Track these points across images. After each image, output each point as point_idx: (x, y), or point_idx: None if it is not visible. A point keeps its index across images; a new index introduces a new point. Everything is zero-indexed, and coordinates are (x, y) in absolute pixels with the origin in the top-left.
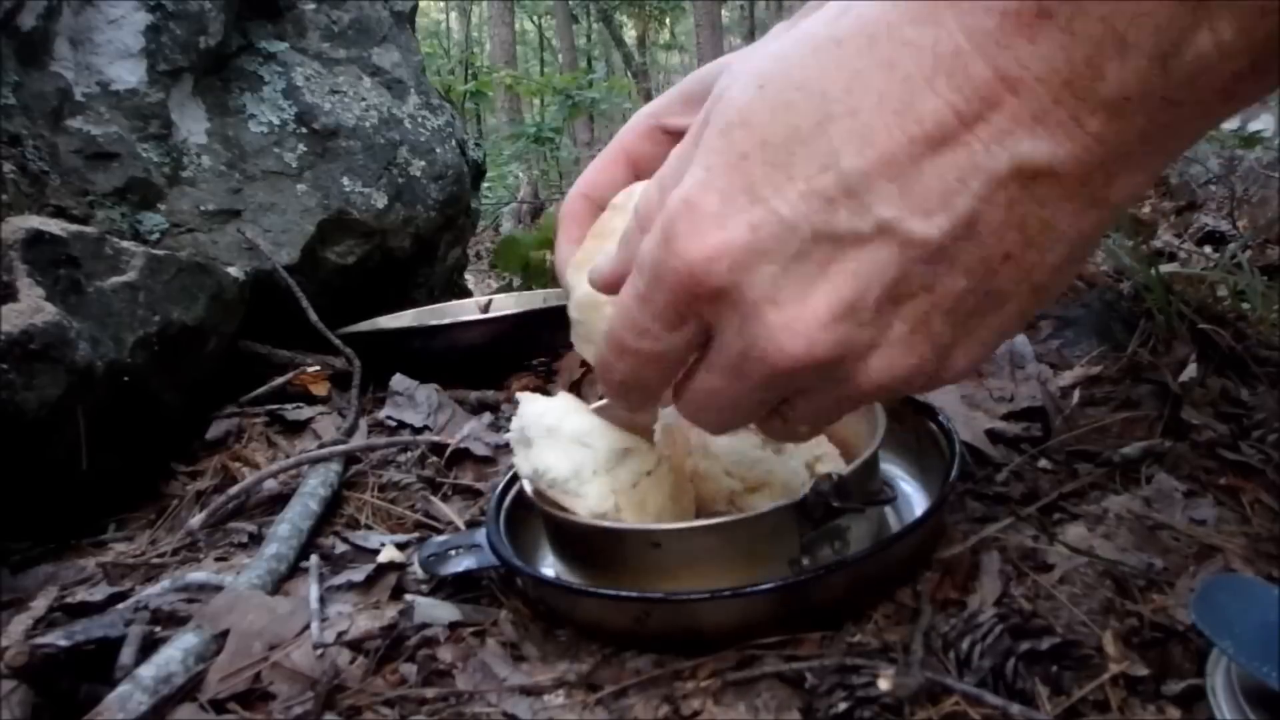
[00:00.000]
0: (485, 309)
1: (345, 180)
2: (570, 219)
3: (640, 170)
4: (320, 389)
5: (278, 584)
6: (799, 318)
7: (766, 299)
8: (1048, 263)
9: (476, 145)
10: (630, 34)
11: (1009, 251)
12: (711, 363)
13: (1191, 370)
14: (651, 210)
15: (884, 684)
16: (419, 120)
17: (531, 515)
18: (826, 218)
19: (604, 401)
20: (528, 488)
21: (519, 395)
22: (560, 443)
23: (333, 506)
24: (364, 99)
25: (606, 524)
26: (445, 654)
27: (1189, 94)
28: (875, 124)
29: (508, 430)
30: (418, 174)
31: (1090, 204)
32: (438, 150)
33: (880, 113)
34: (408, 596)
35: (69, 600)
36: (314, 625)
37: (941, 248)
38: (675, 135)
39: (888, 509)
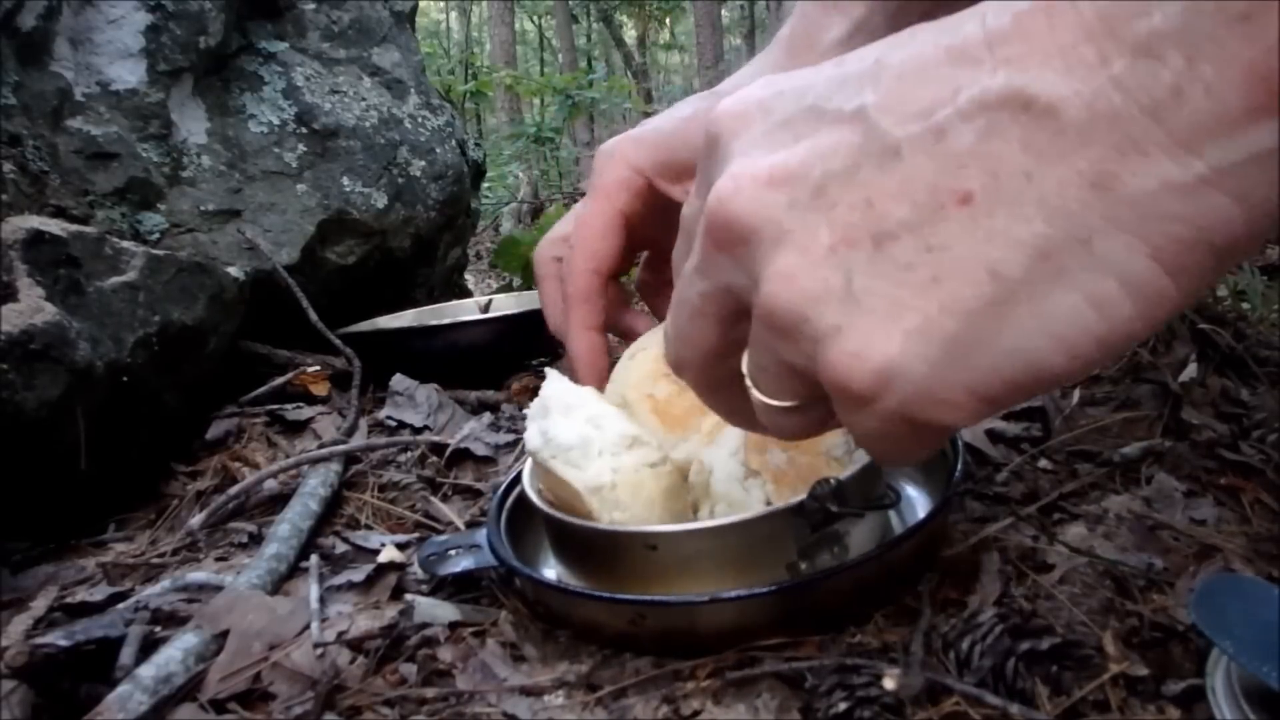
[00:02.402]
0: (485, 309)
1: (345, 180)
2: (582, 300)
3: (637, 233)
4: (320, 389)
5: (278, 584)
6: (745, 171)
7: (738, 153)
8: (1013, 237)
9: (476, 145)
10: (630, 34)
11: (969, 192)
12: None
13: (1191, 370)
14: None
15: (887, 684)
16: (419, 120)
17: (532, 516)
18: (830, 93)
19: None
20: (529, 492)
21: (547, 370)
22: (575, 419)
23: (333, 506)
24: (364, 99)
25: (604, 526)
26: (445, 654)
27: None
28: (921, 36)
29: (508, 430)
30: (418, 174)
31: (1093, 183)
32: (438, 150)
33: (930, 29)
34: (408, 596)
35: (69, 600)
36: (314, 625)
37: (897, 151)
38: (664, 196)
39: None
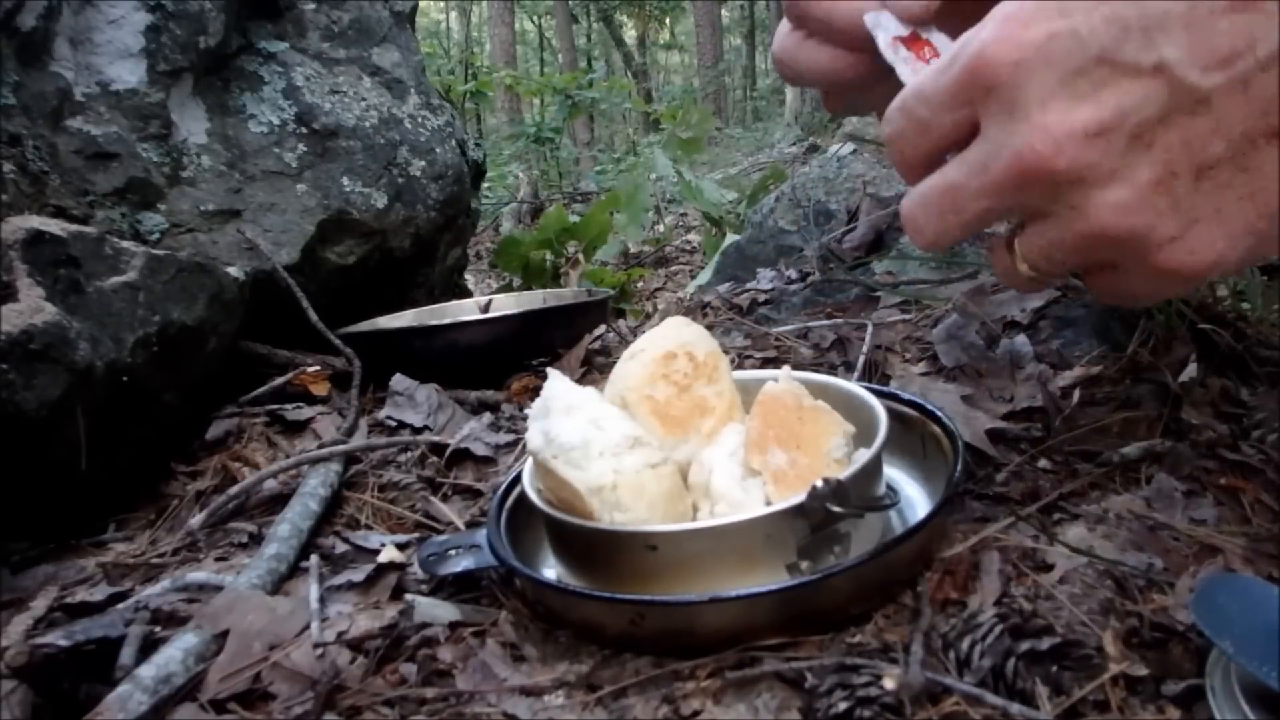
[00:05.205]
0: (485, 309)
1: (345, 180)
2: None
3: None
4: (320, 389)
5: (278, 584)
6: (1058, 124)
7: (1036, 101)
8: None
9: (476, 145)
10: (630, 34)
11: (1276, 127)
12: (963, 158)
13: (1191, 370)
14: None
15: (887, 684)
16: (419, 120)
17: (532, 516)
18: (1116, 44)
19: None
20: (530, 492)
21: (549, 370)
22: (576, 419)
23: (333, 506)
24: (364, 99)
25: (604, 526)
26: (445, 654)
27: None
28: None
29: (508, 430)
30: (418, 174)
31: None
32: (438, 150)
33: None
34: (408, 596)
35: (69, 600)
36: (314, 625)
37: (1208, 101)
38: None
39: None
